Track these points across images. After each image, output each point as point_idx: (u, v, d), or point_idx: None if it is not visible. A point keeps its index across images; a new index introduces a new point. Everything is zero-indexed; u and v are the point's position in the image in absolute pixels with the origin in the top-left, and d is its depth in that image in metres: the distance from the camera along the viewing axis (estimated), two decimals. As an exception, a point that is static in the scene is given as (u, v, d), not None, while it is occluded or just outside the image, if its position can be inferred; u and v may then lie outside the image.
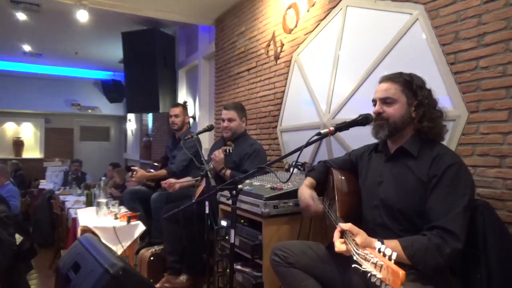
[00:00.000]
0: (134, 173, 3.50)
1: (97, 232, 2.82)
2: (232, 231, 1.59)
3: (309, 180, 1.87)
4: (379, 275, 0.91)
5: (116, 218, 3.03)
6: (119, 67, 6.79)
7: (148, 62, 5.40)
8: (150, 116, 7.48)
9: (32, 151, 9.52)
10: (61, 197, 4.63)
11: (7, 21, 5.03)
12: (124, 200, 3.52)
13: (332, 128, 1.56)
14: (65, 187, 5.53)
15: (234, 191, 1.56)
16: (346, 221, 1.29)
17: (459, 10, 1.83)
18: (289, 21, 3.13)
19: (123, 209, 3.29)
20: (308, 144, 1.54)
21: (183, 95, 5.86)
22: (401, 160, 1.50)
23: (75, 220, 3.28)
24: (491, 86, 1.70)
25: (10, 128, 9.40)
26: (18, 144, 9.30)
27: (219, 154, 2.72)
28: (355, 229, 1.23)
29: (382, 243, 0.97)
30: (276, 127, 3.24)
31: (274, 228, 2.01)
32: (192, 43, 5.57)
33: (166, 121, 3.62)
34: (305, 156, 2.80)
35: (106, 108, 9.50)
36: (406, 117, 1.48)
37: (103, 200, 3.21)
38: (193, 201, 2.64)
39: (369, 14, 2.38)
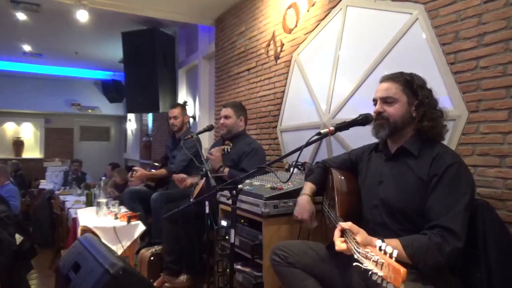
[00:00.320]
0: (134, 172, 3.50)
1: (97, 232, 2.82)
2: (232, 231, 1.59)
3: (309, 186, 1.84)
4: (380, 273, 0.91)
5: (116, 218, 3.03)
6: (119, 67, 6.80)
7: (148, 62, 5.40)
8: (150, 116, 7.48)
9: (32, 151, 9.53)
10: (61, 197, 4.63)
11: (7, 21, 5.03)
12: (124, 200, 3.51)
13: (332, 128, 1.56)
14: (65, 187, 5.53)
15: (234, 191, 1.56)
16: (346, 221, 1.29)
17: (459, 10, 1.83)
18: (289, 21, 3.13)
19: (123, 209, 3.29)
20: (308, 144, 1.53)
21: (183, 95, 5.86)
22: (401, 159, 1.50)
23: (75, 220, 3.28)
24: (491, 86, 1.70)
25: (10, 128, 9.41)
26: (18, 144, 9.31)
27: (215, 152, 2.72)
28: (355, 228, 1.23)
29: (383, 242, 0.97)
30: (276, 127, 3.24)
31: (274, 228, 2.01)
32: (192, 43, 5.57)
33: (166, 121, 3.61)
34: (305, 156, 2.80)
35: (106, 108, 9.51)
36: (406, 116, 1.48)
37: (103, 200, 3.21)
38: (191, 200, 2.64)
39: (369, 14, 2.38)
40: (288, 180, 1.93)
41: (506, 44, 1.64)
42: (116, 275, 1.56)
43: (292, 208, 2.04)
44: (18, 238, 2.71)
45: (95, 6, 4.08)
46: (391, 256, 0.92)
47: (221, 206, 2.43)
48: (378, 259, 0.93)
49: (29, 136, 9.59)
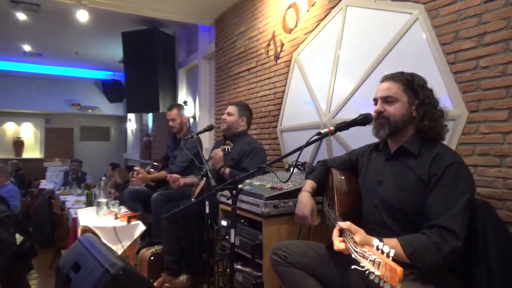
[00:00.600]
0: (135, 173, 3.50)
1: (97, 232, 2.82)
2: (232, 231, 1.59)
3: (310, 184, 1.84)
4: (377, 272, 0.91)
5: (116, 218, 3.03)
6: (119, 67, 6.80)
7: (148, 62, 5.40)
8: (150, 116, 7.48)
9: (32, 151, 9.53)
10: (61, 197, 4.63)
11: (7, 21, 5.04)
12: (124, 200, 3.52)
13: (332, 128, 1.56)
14: (65, 187, 5.53)
15: (234, 191, 1.56)
16: (345, 220, 1.29)
17: (459, 10, 1.83)
18: (289, 21, 3.13)
19: (123, 209, 3.29)
20: (308, 144, 1.54)
21: (183, 95, 5.86)
22: (401, 159, 1.50)
23: (75, 220, 3.28)
24: (491, 86, 1.70)
25: (10, 128, 9.41)
26: (18, 144, 9.31)
27: (218, 152, 2.73)
28: (353, 227, 1.23)
29: (381, 241, 0.98)
30: (276, 126, 3.24)
31: (274, 227, 2.01)
32: (192, 43, 5.57)
33: (166, 121, 3.61)
34: (305, 156, 2.80)
35: (106, 108, 9.51)
36: (407, 116, 1.48)
37: (103, 200, 3.21)
38: (192, 199, 2.64)
39: (369, 13, 2.38)
40: (288, 180, 1.93)
41: (506, 44, 1.64)
42: (116, 275, 1.56)
43: (292, 208, 2.04)
44: (18, 238, 2.72)
45: (95, 6, 4.08)
46: (388, 255, 0.92)
47: (221, 206, 2.43)
48: (375, 259, 0.93)
49: (29, 136, 9.59)
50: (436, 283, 1.31)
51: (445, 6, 1.90)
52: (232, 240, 1.60)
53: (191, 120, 5.47)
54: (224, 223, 2.33)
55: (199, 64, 5.13)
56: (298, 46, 3.02)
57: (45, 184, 6.80)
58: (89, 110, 9.53)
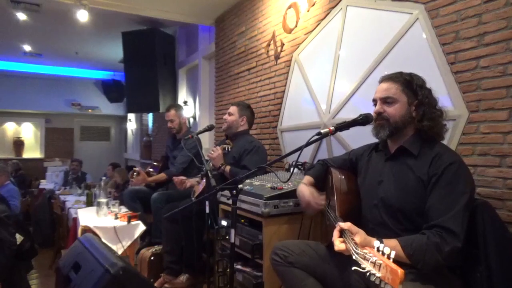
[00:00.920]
0: (135, 173, 3.50)
1: (97, 232, 2.82)
2: (232, 231, 1.59)
3: (307, 178, 1.87)
4: (378, 274, 0.91)
5: (116, 218, 3.03)
6: (119, 67, 6.80)
7: (148, 62, 5.40)
8: (150, 116, 7.48)
9: (33, 151, 9.53)
10: (62, 197, 4.63)
11: (7, 21, 5.04)
12: (125, 200, 3.52)
13: (332, 128, 1.56)
14: (65, 187, 5.53)
15: (235, 191, 1.56)
16: (345, 221, 1.29)
17: (459, 10, 1.83)
18: (289, 20, 3.13)
19: (124, 209, 3.29)
20: (308, 143, 1.54)
21: (183, 95, 5.86)
22: (401, 159, 1.50)
23: (75, 220, 3.28)
24: (491, 86, 1.70)
25: (11, 128, 9.41)
26: (18, 144, 9.31)
27: (216, 150, 2.73)
28: (354, 228, 1.23)
29: (381, 242, 0.98)
30: (276, 126, 3.24)
31: (274, 227, 2.01)
32: (192, 43, 5.57)
33: (166, 121, 3.61)
34: (305, 156, 2.80)
35: (106, 108, 9.51)
36: (406, 116, 1.48)
37: (103, 200, 3.21)
38: (192, 198, 2.64)
39: (369, 13, 2.38)
40: (288, 180, 1.93)
41: (507, 44, 1.64)
42: (117, 275, 1.56)
43: (292, 208, 2.05)
44: (19, 238, 2.71)
45: (95, 6, 4.08)
46: (388, 257, 0.92)
47: (221, 206, 2.43)
48: (376, 260, 0.93)
49: (30, 136, 9.59)
50: (436, 283, 1.31)
51: (445, 6, 1.90)
52: (232, 240, 1.61)
53: (191, 120, 5.48)
54: (224, 223, 2.33)
55: (199, 64, 5.13)
56: (298, 46, 3.02)
57: (45, 184, 6.80)
58: (89, 110, 9.52)
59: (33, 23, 5.10)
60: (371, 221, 1.53)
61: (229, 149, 2.76)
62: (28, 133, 9.59)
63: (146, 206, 3.43)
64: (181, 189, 3.06)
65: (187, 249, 2.86)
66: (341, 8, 2.59)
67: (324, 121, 2.67)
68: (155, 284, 2.85)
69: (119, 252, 2.76)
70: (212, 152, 2.74)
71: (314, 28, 2.84)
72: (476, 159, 1.75)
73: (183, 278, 2.86)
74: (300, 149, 1.54)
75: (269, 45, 3.38)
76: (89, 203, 3.77)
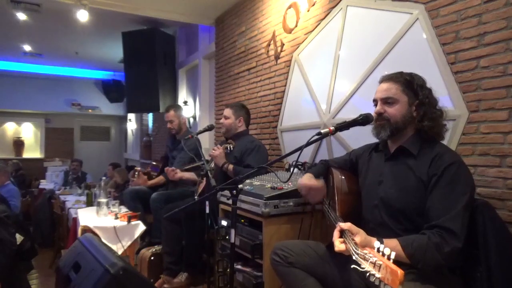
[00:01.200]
0: (136, 174, 3.51)
1: (97, 232, 2.82)
2: (233, 231, 1.59)
3: (307, 175, 1.87)
4: (378, 275, 0.91)
5: (116, 218, 3.03)
6: (119, 67, 6.80)
7: (148, 62, 5.40)
8: (150, 116, 7.49)
9: (33, 151, 9.52)
10: (62, 197, 4.63)
11: (8, 21, 5.04)
12: (125, 200, 3.52)
13: (332, 128, 1.56)
14: (65, 187, 5.53)
15: (235, 191, 1.56)
16: (345, 221, 1.29)
17: (460, 10, 1.83)
18: (289, 20, 3.13)
19: (124, 209, 3.29)
20: (308, 143, 1.54)
21: (183, 95, 5.86)
22: (401, 159, 1.50)
23: (75, 220, 3.28)
24: (491, 86, 1.70)
25: (11, 128, 9.41)
26: (18, 144, 9.31)
27: (217, 149, 2.73)
28: (354, 228, 1.23)
29: (382, 243, 0.97)
30: (276, 126, 3.24)
31: (275, 227, 2.01)
32: (192, 43, 5.57)
33: (166, 121, 3.61)
34: (305, 156, 2.80)
35: (107, 108, 9.51)
36: (407, 116, 1.48)
37: (103, 200, 3.21)
38: (195, 196, 2.65)
39: (369, 13, 2.38)
40: (288, 180, 1.93)
41: (507, 44, 1.64)
42: (117, 275, 1.56)
43: (292, 208, 2.04)
44: (19, 238, 2.72)
45: (96, 6, 4.08)
46: (388, 257, 0.92)
47: (221, 206, 2.43)
48: (376, 261, 0.93)
49: (30, 136, 9.59)
50: (436, 283, 1.31)
51: (445, 6, 1.90)
52: (232, 240, 1.61)
53: (191, 120, 5.48)
54: (224, 223, 2.33)
55: (199, 64, 5.12)
56: (298, 46, 3.02)
57: (45, 184, 6.80)
58: (89, 110, 9.52)
59: (33, 23, 5.10)
60: (371, 221, 1.53)
61: (232, 148, 2.76)
62: (28, 133, 9.58)
63: (146, 206, 3.43)
64: (170, 178, 3.08)
65: (188, 248, 2.86)
66: (341, 8, 2.59)
67: (324, 121, 2.67)
68: (155, 285, 2.85)
69: (119, 252, 2.77)
70: (214, 151, 2.74)
71: (314, 28, 2.84)
72: (476, 159, 1.75)
73: (181, 277, 2.86)
74: (300, 149, 1.54)
75: (269, 45, 3.38)
76: (89, 203, 3.77)
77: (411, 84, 1.49)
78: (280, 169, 2.92)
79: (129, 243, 2.97)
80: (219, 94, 4.34)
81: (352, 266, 1.01)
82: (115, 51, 6.39)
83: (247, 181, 2.35)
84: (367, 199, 1.59)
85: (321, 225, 1.94)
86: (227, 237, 2.25)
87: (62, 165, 8.23)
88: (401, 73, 1.54)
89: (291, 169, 1.93)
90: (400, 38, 2.14)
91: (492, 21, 1.69)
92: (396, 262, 0.90)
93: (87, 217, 3.10)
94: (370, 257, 0.96)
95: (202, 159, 2.59)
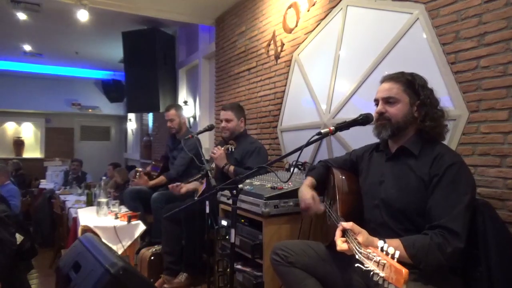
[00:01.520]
0: (138, 174, 3.51)
1: (97, 231, 2.82)
2: (233, 231, 1.60)
3: (309, 179, 1.86)
4: (382, 274, 0.90)
5: (116, 217, 3.03)
6: (120, 67, 6.80)
7: (149, 61, 5.40)
8: (150, 116, 7.49)
9: (33, 150, 9.52)
10: (62, 197, 4.63)
11: (8, 21, 5.04)
12: (125, 199, 3.52)
13: (332, 128, 1.56)
14: (65, 187, 5.53)
15: (235, 191, 1.56)
16: (347, 221, 1.29)
17: (460, 10, 1.83)
18: (289, 20, 3.13)
19: (124, 209, 3.29)
20: (308, 143, 1.54)
21: (183, 94, 5.86)
22: (402, 159, 1.50)
23: (75, 220, 3.28)
24: (491, 86, 1.69)
25: (11, 128, 9.41)
26: (18, 144, 9.30)
27: (218, 150, 2.73)
28: (356, 228, 1.23)
29: (385, 242, 0.97)
30: (276, 126, 3.24)
31: (275, 227, 2.01)
32: (192, 43, 5.57)
33: (166, 121, 3.61)
34: (306, 155, 2.80)
35: (107, 107, 9.51)
36: (408, 117, 1.48)
37: (103, 199, 3.21)
38: (195, 198, 2.64)
39: (369, 13, 2.38)
40: (288, 180, 1.93)
41: (507, 44, 1.64)
42: (117, 274, 1.56)
43: (292, 208, 2.04)
44: (19, 237, 2.71)
45: (96, 5, 4.08)
46: (393, 257, 0.91)
47: (222, 205, 2.43)
48: (379, 260, 0.93)
49: (30, 135, 9.59)
50: (437, 283, 1.31)
51: (445, 6, 1.90)
52: (232, 240, 1.61)
53: (191, 120, 5.48)
54: (224, 222, 2.33)
55: (199, 64, 5.13)
56: (298, 46, 3.02)
57: (45, 184, 6.79)
58: (89, 110, 9.52)
59: (33, 23, 5.10)
60: (372, 221, 1.53)
61: (233, 149, 2.75)
62: (28, 133, 9.58)
63: (146, 206, 3.43)
64: (177, 194, 3.06)
65: (188, 248, 2.86)
66: (341, 8, 2.59)
67: (324, 121, 2.67)
68: (156, 285, 2.85)
69: (119, 252, 2.77)
70: (215, 152, 2.73)
71: (314, 28, 2.84)
72: (476, 159, 1.75)
73: (181, 277, 2.86)
74: (300, 149, 1.54)
75: (269, 45, 3.38)
76: (89, 203, 3.77)
77: (412, 84, 1.49)
78: (280, 169, 2.91)
79: (129, 243, 2.97)
80: (219, 94, 4.34)
81: (356, 265, 1.00)
82: (115, 51, 6.39)
83: (247, 181, 2.35)
84: (368, 199, 1.59)
85: (321, 225, 1.94)
86: (227, 237, 2.25)
87: (62, 165, 8.22)
88: (402, 73, 1.54)
89: (291, 169, 1.92)
90: (400, 38, 2.13)
91: (492, 21, 1.69)
92: (399, 262, 0.90)
93: (87, 217, 3.10)
94: (374, 256, 0.95)
95: (202, 159, 2.59)
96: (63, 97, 9.18)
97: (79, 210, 3.43)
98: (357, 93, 2.43)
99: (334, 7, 2.66)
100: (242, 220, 2.22)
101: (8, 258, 2.54)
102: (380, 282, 0.91)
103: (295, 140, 3.00)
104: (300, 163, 2.58)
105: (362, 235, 1.21)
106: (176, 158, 3.50)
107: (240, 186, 1.57)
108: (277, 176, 2.27)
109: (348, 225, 1.24)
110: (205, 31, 5.00)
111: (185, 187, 3.03)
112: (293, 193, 2.03)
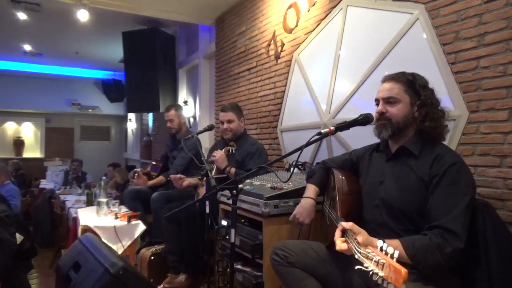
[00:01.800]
0: (136, 174, 3.51)
1: (97, 231, 2.82)
2: (233, 231, 1.60)
3: (312, 189, 1.84)
4: (381, 273, 0.91)
5: (116, 217, 3.03)
6: (120, 67, 6.80)
7: (149, 61, 5.40)
8: (150, 116, 7.49)
9: (33, 150, 9.53)
10: (62, 197, 4.63)
11: (8, 21, 5.04)
12: (125, 199, 3.52)
13: (332, 128, 1.56)
14: (65, 187, 5.53)
15: (235, 191, 1.56)
16: (346, 221, 1.29)
17: (460, 10, 1.83)
18: (289, 20, 3.13)
19: (124, 209, 3.29)
20: (308, 143, 1.54)
21: (183, 94, 5.86)
22: (402, 159, 1.50)
23: (75, 220, 3.28)
24: (491, 86, 1.70)
25: (11, 128, 9.41)
26: (18, 144, 9.31)
27: (218, 152, 2.72)
28: (356, 228, 1.23)
29: (384, 242, 0.97)
30: (276, 126, 3.24)
31: (275, 227, 2.01)
32: (192, 43, 5.57)
33: (166, 121, 3.61)
34: (306, 155, 2.80)
35: (107, 107, 9.51)
36: (409, 117, 1.48)
37: (103, 199, 3.21)
38: (195, 198, 2.64)
39: (369, 13, 2.38)
40: (288, 180, 1.93)
41: (507, 44, 1.64)
42: (117, 274, 1.56)
43: (293, 208, 2.03)
44: (19, 237, 2.72)
45: (96, 5, 4.08)
46: (392, 256, 0.91)
47: (221, 205, 2.43)
48: (379, 260, 0.93)
49: (30, 135, 9.59)
50: (436, 283, 1.31)
51: (445, 6, 1.90)
52: (232, 240, 1.61)
53: (191, 120, 5.48)
54: (224, 222, 2.33)
55: (199, 64, 5.13)
56: (298, 46, 3.02)
57: (45, 184, 6.79)
58: (89, 110, 9.52)
59: (33, 22, 5.10)
60: (372, 221, 1.53)
61: (233, 151, 2.75)
62: (28, 132, 9.59)
63: (146, 206, 3.43)
64: (178, 187, 3.05)
65: (188, 249, 2.86)
66: (342, 8, 2.59)
67: (324, 121, 2.67)
68: (161, 284, 2.85)
69: (119, 252, 2.77)
70: (215, 155, 2.73)
71: (315, 28, 2.84)
72: (476, 159, 1.75)
73: (182, 277, 2.86)
74: (300, 149, 1.54)
75: (269, 45, 3.38)
76: (89, 202, 3.77)
77: (413, 84, 1.49)
78: (280, 169, 2.91)
79: (129, 242, 2.97)
80: (219, 94, 4.34)
81: (356, 267, 1.00)
82: (115, 51, 6.39)
83: (247, 181, 2.35)
84: (368, 199, 1.59)
85: (321, 225, 1.94)
86: (227, 237, 2.25)
87: (62, 164, 8.22)
88: (403, 73, 1.54)
89: (291, 169, 1.92)
90: (400, 38, 2.13)
91: (493, 21, 1.69)
92: (398, 262, 0.90)
93: (87, 217, 3.10)
94: (373, 256, 0.95)
95: (202, 159, 2.58)
96: (63, 97, 9.18)
97: (79, 210, 3.43)
98: (357, 93, 2.43)
99: (334, 7, 2.66)
100: (242, 220, 2.22)
101: (8, 258, 2.54)
102: (380, 281, 0.91)
103: (295, 140, 3.00)
104: (300, 163, 2.58)
105: (362, 235, 1.21)
106: (176, 158, 3.50)
107: (240, 186, 1.57)
108: (277, 176, 2.27)
109: (348, 225, 1.24)
110: (205, 31, 5.00)
111: (188, 181, 3.03)
112: (293, 193, 2.03)
